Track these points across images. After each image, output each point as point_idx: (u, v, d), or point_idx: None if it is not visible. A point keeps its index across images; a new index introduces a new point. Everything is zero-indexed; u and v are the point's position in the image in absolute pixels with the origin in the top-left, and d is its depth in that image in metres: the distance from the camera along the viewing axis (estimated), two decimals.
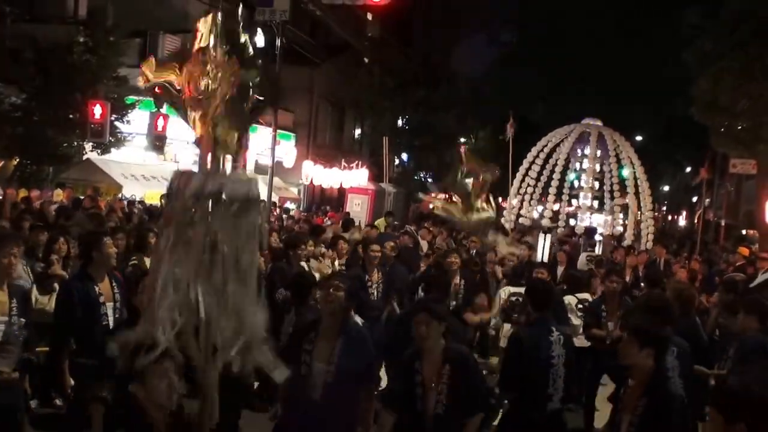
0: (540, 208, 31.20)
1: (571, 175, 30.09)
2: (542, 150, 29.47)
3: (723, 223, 35.17)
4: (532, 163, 29.09)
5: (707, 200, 58.01)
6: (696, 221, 30.38)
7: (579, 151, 29.62)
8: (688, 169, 61.98)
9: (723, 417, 3.72)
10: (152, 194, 23.78)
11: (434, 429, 6.14)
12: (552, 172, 28.85)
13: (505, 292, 11.17)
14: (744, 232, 35.75)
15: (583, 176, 28.85)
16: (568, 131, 29.80)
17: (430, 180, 50.50)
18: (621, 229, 27.67)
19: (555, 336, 7.19)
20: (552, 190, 29.11)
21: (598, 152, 28.90)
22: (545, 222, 26.07)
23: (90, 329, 7.29)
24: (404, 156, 48.62)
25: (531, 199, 29.56)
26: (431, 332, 6.21)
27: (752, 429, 3.64)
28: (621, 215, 29.38)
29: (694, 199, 62.06)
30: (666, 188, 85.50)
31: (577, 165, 29.63)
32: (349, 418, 6.61)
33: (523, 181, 29.27)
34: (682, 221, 68.84)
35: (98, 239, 7.97)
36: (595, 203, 28.85)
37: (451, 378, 6.13)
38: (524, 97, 57.34)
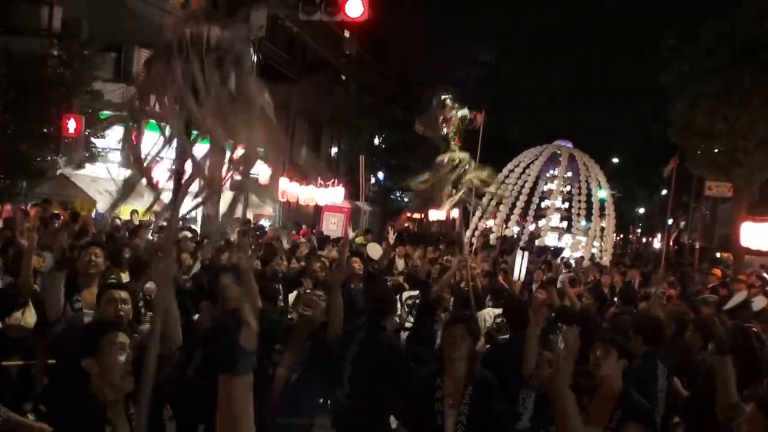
0: (516, 228, 31.49)
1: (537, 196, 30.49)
2: (513, 170, 29.82)
3: (698, 246, 35.48)
4: (502, 183, 29.35)
5: (683, 223, 58.54)
6: (672, 244, 30.68)
7: (549, 171, 30.00)
8: (664, 192, 62.40)
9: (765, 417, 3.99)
10: (126, 209, 23.73)
11: None
12: (519, 192, 29.19)
13: (488, 314, 11.09)
14: (718, 254, 36.08)
15: (552, 196, 29.20)
16: (539, 152, 30.18)
17: (406, 200, 50.69)
18: (586, 251, 27.99)
19: None
20: (517, 210, 29.46)
21: (568, 173, 29.25)
22: (523, 242, 26.34)
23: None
24: (380, 175, 48.77)
25: (505, 218, 29.90)
26: (463, 346, 6.12)
27: None
28: (583, 238, 29.72)
29: (670, 221, 62.52)
30: (641, 210, 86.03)
31: (545, 186, 29.95)
32: (309, 421, 6.78)
33: (500, 201, 29.51)
34: (657, 243, 69.21)
35: (84, 248, 8.16)
36: (563, 224, 29.17)
37: (474, 399, 6.01)
38: (501, 117, 57.50)
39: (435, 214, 61.22)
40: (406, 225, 52.31)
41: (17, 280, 9.77)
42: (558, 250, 27.27)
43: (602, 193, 30.76)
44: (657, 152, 53.78)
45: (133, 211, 22.97)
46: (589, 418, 5.55)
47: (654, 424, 5.89)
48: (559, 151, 29.69)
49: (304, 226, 34.13)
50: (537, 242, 28.63)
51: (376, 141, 46.39)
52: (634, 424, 5.43)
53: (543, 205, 30.51)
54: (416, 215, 58.95)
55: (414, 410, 6.37)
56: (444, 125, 11.10)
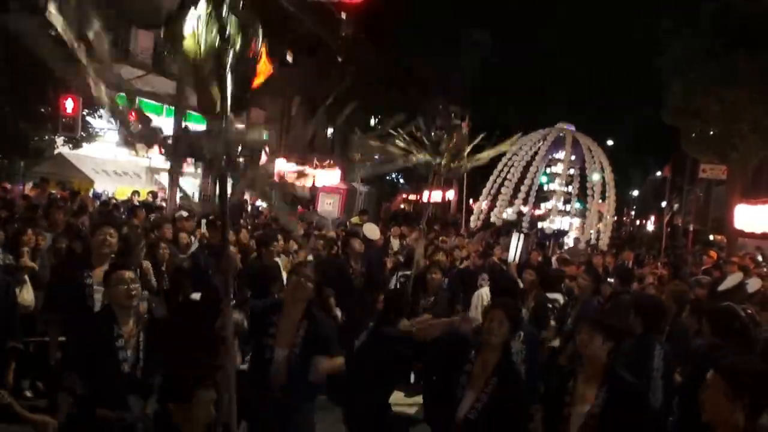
0: (510, 209, 31.49)
1: (542, 178, 30.44)
2: (516, 154, 29.75)
3: (691, 228, 35.53)
4: (506, 165, 29.32)
5: (676, 205, 58.59)
6: (665, 226, 30.61)
7: (551, 154, 29.98)
8: (658, 174, 62.53)
9: (731, 389, 4.01)
10: (123, 190, 23.70)
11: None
12: (523, 176, 29.16)
13: (485, 293, 11.06)
14: (711, 237, 36.11)
15: (557, 179, 29.20)
16: (544, 135, 30.13)
17: (401, 180, 50.68)
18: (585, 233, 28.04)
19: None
20: (521, 194, 29.45)
21: (572, 156, 29.24)
22: (525, 224, 26.36)
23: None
24: (376, 156, 48.70)
25: (508, 201, 29.91)
26: (501, 332, 6.10)
27: (754, 403, 3.98)
28: (580, 219, 29.77)
29: (663, 204, 62.54)
30: (635, 193, 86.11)
31: (548, 168, 29.96)
32: (311, 401, 6.78)
33: (502, 184, 29.51)
34: (650, 226, 69.32)
35: (98, 227, 8.21)
36: (567, 207, 29.18)
37: (496, 389, 6.00)
38: (496, 100, 57.32)
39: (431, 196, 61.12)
40: (402, 206, 52.38)
41: (17, 260, 9.84)
42: (561, 233, 27.28)
43: (596, 176, 30.70)
44: (651, 135, 53.85)
45: (134, 192, 23.04)
46: (576, 399, 5.60)
47: (642, 397, 5.87)
48: (563, 134, 29.64)
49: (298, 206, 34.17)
50: (540, 225, 28.68)
51: (372, 122, 46.31)
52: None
53: (546, 188, 30.51)
54: (412, 196, 58.95)
55: (442, 368, 6.41)
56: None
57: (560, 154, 30.34)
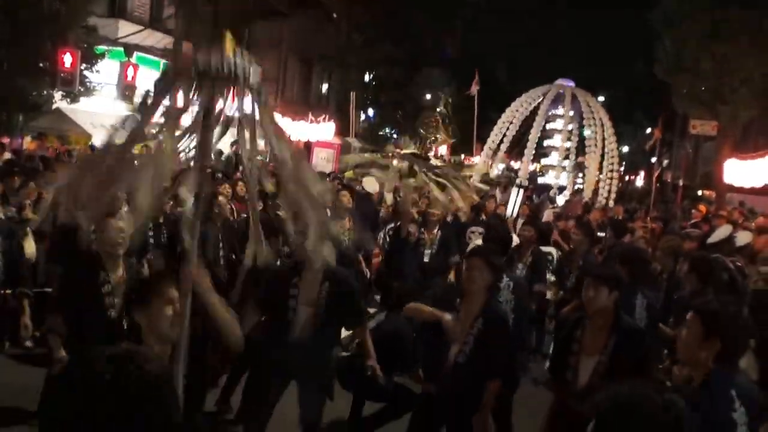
0: (501, 165, 31.51)
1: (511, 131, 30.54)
2: (518, 110, 29.81)
3: (681, 184, 35.50)
4: (504, 122, 29.44)
5: (665, 161, 58.58)
6: (654, 181, 30.70)
7: (551, 111, 30.03)
8: (648, 130, 62.34)
9: (704, 329, 4.14)
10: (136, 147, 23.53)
11: (451, 377, 6.12)
12: (521, 132, 29.26)
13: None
14: (700, 192, 36.14)
15: (557, 136, 29.20)
16: (544, 92, 30.11)
17: (395, 135, 50.56)
18: (580, 186, 28.11)
19: (504, 281, 7.25)
20: (529, 151, 29.55)
21: (571, 113, 29.26)
22: (522, 180, 26.42)
23: None
24: (370, 111, 48.60)
25: (508, 156, 30.07)
26: (480, 279, 6.14)
27: (726, 344, 4.12)
28: (580, 174, 29.85)
29: (653, 159, 62.46)
30: (625, 149, 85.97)
31: (547, 125, 29.99)
32: (331, 352, 6.85)
33: (501, 140, 29.65)
34: (639, 181, 69.32)
35: None
36: (566, 162, 29.23)
37: (481, 333, 6.05)
38: (487, 56, 57.09)
39: None
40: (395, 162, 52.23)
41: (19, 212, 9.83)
42: (561, 189, 27.36)
43: (588, 131, 30.72)
44: (642, 90, 53.71)
45: (145, 146, 22.86)
46: (584, 350, 5.69)
47: (646, 341, 5.94)
48: (562, 91, 29.59)
49: None
50: (541, 180, 28.87)
51: (366, 78, 46.13)
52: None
53: (545, 144, 30.55)
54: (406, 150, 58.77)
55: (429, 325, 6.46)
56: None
57: (559, 110, 30.40)
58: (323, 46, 42.06)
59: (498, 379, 6.12)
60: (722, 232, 11.44)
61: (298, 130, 40.92)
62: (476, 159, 43.45)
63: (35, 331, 9.95)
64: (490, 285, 6.27)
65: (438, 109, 40.33)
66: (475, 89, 31.56)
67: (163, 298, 4.28)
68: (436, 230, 11.61)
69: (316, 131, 39.85)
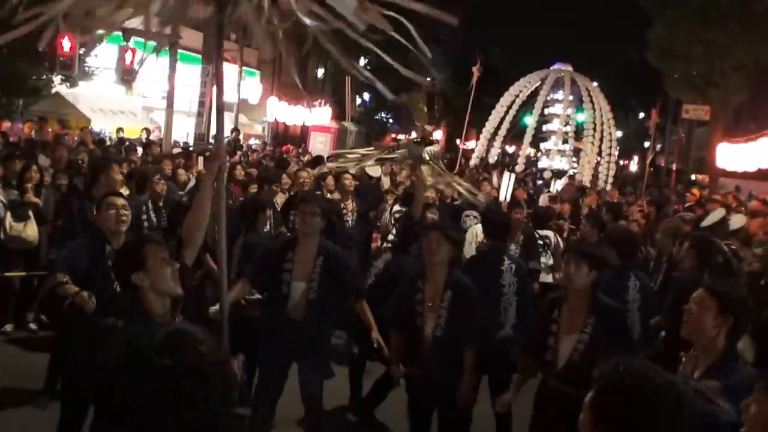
0: (496, 149, 31.51)
1: (529, 119, 30.49)
2: (518, 95, 29.82)
3: (674, 168, 35.59)
4: (510, 107, 29.47)
5: (659, 146, 58.60)
6: (648, 166, 30.73)
7: (549, 96, 30.03)
8: (641, 115, 62.33)
9: (718, 308, 4.12)
10: (132, 129, 23.51)
11: (432, 350, 6.14)
12: (515, 116, 29.28)
13: (479, 230, 10.90)
14: (693, 177, 36.19)
15: (556, 120, 29.22)
16: (542, 76, 30.09)
17: (390, 120, 50.54)
18: (575, 171, 28.16)
19: (506, 265, 7.19)
20: (526, 135, 29.58)
21: (570, 97, 29.27)
22: (519, 166, 26.47)
23: None
24: (366, 96, 48.53)
25: (503, 140, 30.09)
26: (441, 252, 6.19)
27: (737, 326, 4.13)
28: (574, 158, 29.87)
29: (646, 144, 62.48)
30: (619, 134, 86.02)
31: (545, 109, 30.03)
32: (327, 329, 6.89)
33: (500, 124, 29.69)
34: (633, 166, 69.36)
35: (108, 165, 8.14)
36: (564, 146, 29.26)
37: (452, 304, 6.11)
38: (481, 41, 57.05)
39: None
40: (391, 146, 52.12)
41: (21, 196, 9.82)
42: (561, 173, 27.36)
43: (582, 116, 30.72)
44: (635, 76, 53.66)
45: (119, 129, 22.85)
46: (563, 328, 5.64)
47: (626, 322, 5.99)
48: (561, 75, 29.57)
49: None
50: (541, 165, 28.94)
51: (362, 62, 46.02)
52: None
53: (543, 128, 30.62)
54: (401, 136, 58.74)
55: (398, 312, 6.45)
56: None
57: (558, 95, 30.38)
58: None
59: (474, 346, 6.13)
60: (716, 215, 11.42)
61: (295, 114, 40.99)
62: (470, 144, 43.50)
63: (38, 314, 10.05)
64: (451, 258, 6.32)
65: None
66: (476, 74, 31.42)
67: (158, 258, 4.29)
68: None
69: (312, 116, 39.82)
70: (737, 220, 11.33)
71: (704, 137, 40.53)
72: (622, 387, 2.51)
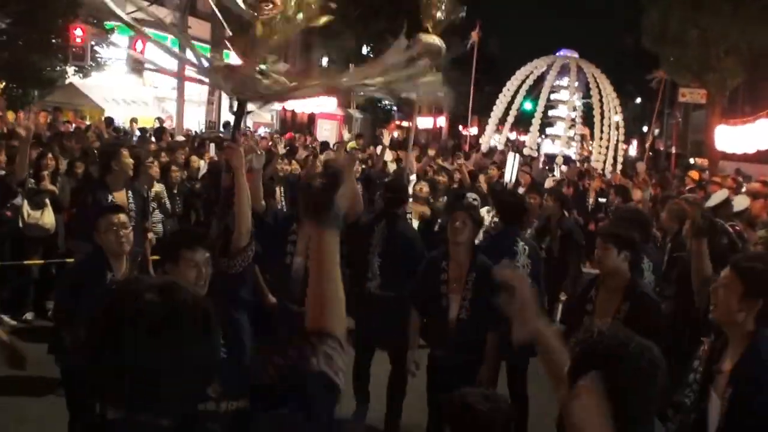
0: (496, 135, 31.46)
1: (529, 105, 30.41)
2: (524, 81, 29.72)
3: (673, 152, 35.38)
4: (516, 92, 29.40)
5: (656, 130, 58.40)
6: (647, 150, 30.66)
7: (555, 82, 29.98)
8: (638, 100, 62.08)
9: (744, 288, 3.79)
10: (145, 119, 23.38)
11: (457, 333, 6.05)
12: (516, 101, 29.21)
13: (485, 212, 10.80)
14: (692, 160, 36.02)
15: (561, 106, 29.20)
16: (549, 62, 30.01)
17: (394, 107, 50.47)
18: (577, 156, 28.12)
19: (520, 246, 7.14)
20: (534, 121, 29.56)
21: (576, 83, 29.20)
22: (527, 149, 26.46)
23: None
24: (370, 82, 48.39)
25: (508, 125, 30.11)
26: (465, 232, 6.14)
27: (766, 308, 3.78)
28: (575, 143, 29.81)
29: (644, 129, 62.25)
30: (617, 118, 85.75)
31: (551, 95, 30.02)
32: None
33: (507, 110, 29.68)
34: (632, 151, 69.27)
35: (117, 151, 8.04)
36: (571, 132, 29.20)
37: (476, 284, 6.02)
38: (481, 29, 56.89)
39: (422, 122, 60.91)
40: (396, 133, 52.01)
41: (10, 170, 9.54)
42: (568, 159, 27.31)
43: (576, 102, 30.73)
44: (630, 61, 53.43)
45: (133, 120, 22.81)
46: (597, 311, 5.52)
47: (659, 312, 5.75)
48: (567, 62, 29.52)
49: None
50: (549, 150, 28.98)
51: (364, 50, 45.83)
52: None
53: (549, 114, 30.61)
54: (404, 123, 58.56)
55: (422, 292, 6.37)
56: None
57: (563, 81, 30.30)
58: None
59: (498, 330, 5.94)
60: (719, 196, 11.26)
61: (303, 102, 40.98)
62: (473, 130, 43.45)
63: (46, 299, 9.94)
64: (473, 239, 6.30)
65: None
66: (474, 38, 30.99)
67: (188, 260, 4.32)
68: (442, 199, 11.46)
69: (318, 104, 39.75)
70: (741, 202, 11.16)
71: (701, 120, 40.39)
72: (596, 355, 2.50)
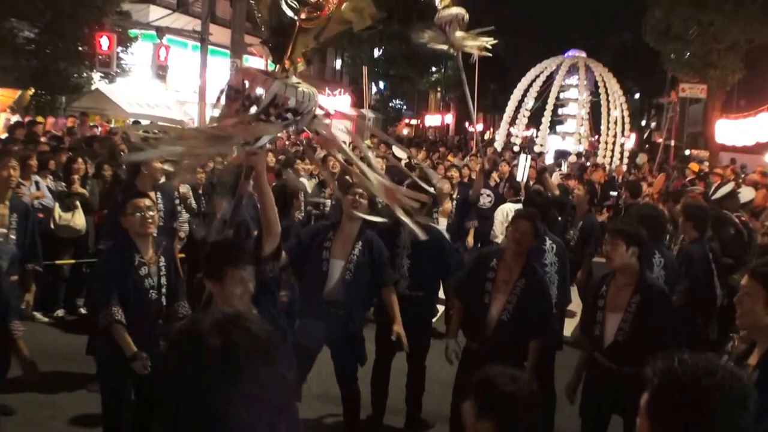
0: (503, 131, 31.42)
1: (530, 102, 30.36)
2: (535, 80, 29.71)
3: (673, 144, 35.06)
4: (527, 91, 29.41)
5: (653, 124, 58.14)
6: (644, 143, 30.61)
7: (564, 81, 30.01)
8: (637, 96, 61.85)
9: (766, 294, 3.63)
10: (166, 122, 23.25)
11: (496, 333, 5.84)
12: (528, 100, 29.25)
13: (510, 209, 10.59)
14: (688, 152, 35.80)
15: (571, 104, 29.26)
16: (558, 63, 30.01)
17: (404, 107, 50.44)
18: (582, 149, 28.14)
19: (548, 244, 7.05)
20: (544, 119, 29.60)
21: (585, 82, 29.22)
22: (538, 147, 26.50)
23: None
24: (381, 84, 48.30)
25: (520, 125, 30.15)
26: (526, 241, 5.95)
27: None
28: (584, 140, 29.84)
29: (643, 123, 62.07)
30: (617, 114, 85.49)
31: (561, 94, 30.09)
32: (362, 313, 6.70)
33: (517, 109, 29.70)
34: (629, 144, 69.03)
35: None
36: (582, 129, 29.21)
37: (524, 292, 5.84)
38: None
39: (430, 120, 60.84)
40: (405, 131, 51.97)
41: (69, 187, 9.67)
42: (579, 155, 27.26)
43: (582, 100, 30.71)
44: (630, 58, 53.26)
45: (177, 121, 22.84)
46: (609, 305, 5.48)
47: (669, 303, 5.69)
48: (576, 62, 29.56)
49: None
50: (560, 147, 29.04)
51: (377, 53, 45.75)
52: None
53: (559, 112, 30.61)
54: (413, 121, 58.53)
55: (467, 284, 6.20)
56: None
57: (572, 80, 30.28)
58: None
59: (541, 338, 5.87)
60: (726, 188, 11.15)
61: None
62: (479, 127, 43.33)
63: (77, 297, 9.88)
64: (531, 246, 6.11)
65: None
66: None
67: (234, 278, 4.16)
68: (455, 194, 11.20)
69: (333, 104, 39.82)
70: (746, 193, 11.05)
71: (697, 114, 40.04)
72: (679, 386, 2.06)
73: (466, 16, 9.49)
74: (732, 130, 26.33)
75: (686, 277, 6.97)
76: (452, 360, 6.21)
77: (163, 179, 8.26)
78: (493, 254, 6.23)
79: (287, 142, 22.85)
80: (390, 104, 50.18)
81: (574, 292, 8.39)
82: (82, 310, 9.89)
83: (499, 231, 10.46)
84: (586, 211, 10.20)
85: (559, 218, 10.04)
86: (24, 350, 5.19)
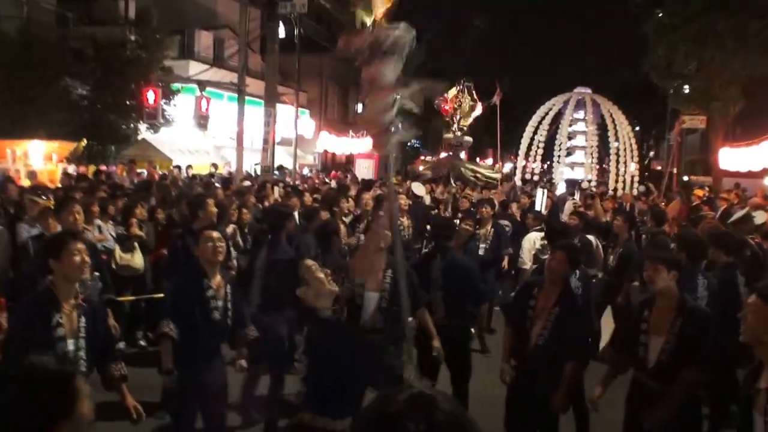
0: (509, 165, 31.52)
1: (542, 136, 30.38)
2: (545, 117, 29.88)
3: (675, 172, 34.89)
4: (538, 127, 29.62)
5: (652, 152, 57.96)
6: (645, 172, 30.58)
7: (572, 115, 30.21)
8: (637, 128, 61.66)
9: None
10: (200, 167, 23.40)
11: (532, 358, 5.81)
12: (541, 134, 29.53)
13: (536, 238, 10.54)
14: (686, 178, 35.62)
15: (579, 137, 29.45)
16: (566, 99, 30.23)
17: (418, 146, 51.05)
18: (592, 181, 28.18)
19: None
20: (555, 152, 29.78)
21: (592, 116, 29.43)
22: (556, 181, 26.63)
23: None
24: (399, 125, 48.56)
25: (536, 158, 30.29)
26: (560, 270, 5.93)
27: None
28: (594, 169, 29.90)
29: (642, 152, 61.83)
30: (617, 144, 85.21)
31: (570, 128, 30.34)
32: (399, 342, 6.46)
33: (530, 144, 29.84)
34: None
35: (203, 201, 8.16)
36: (589, 161, 29.24)
37: (559, 318, 5.79)
38: (490, 72, 57.08)
39: (445, 156, 60.84)
40: (421, 167, 51.99)
41: (128, 230, 9.72)
42: (589, 182, 27.30)
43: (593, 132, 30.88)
44: (631, 92, 53.27)
45: (213, 164, 23.17)
46: (652, 329, 5.35)
47: (710, 325, 5.51)
48: (582, 98, 29.82)
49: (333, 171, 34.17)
50: (569, 177, 29.14)
51: None
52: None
53: (568, 144, 30.74)
54: (429, 158, 58.53)
55: (513, 312, 6.19)
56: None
57: (580, 114, 30.41)
58: (357, 74, 42.05)
59: (576, 361, 5.80)
60: (740, 213, 11.00)
61: (342, 145, 41.47)
62: (489, 161, 43.33)
63: (147, 332, 9.86)
64: (567, 275, 6.11)
65: None
66: (497, 99, 31.33)
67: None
68: (489, 226, 11.13)
69: (356, 145, 40.32)
70: (761, 216, 10.90)
71: (695, 142, 39.86)
72: None
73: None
74: (734, 158, 26.08)
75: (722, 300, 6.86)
76: (506, 381, 6.15)
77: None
78: (535, 283, 6.21)
79: (317, 181, 22.89)
80: (407, 144, 50.40)
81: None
82: (142, 343, 9.98)
83: (527, 258, 10.39)
84: (626, 239, 10.12)
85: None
86: (127, 394, 5.20)
